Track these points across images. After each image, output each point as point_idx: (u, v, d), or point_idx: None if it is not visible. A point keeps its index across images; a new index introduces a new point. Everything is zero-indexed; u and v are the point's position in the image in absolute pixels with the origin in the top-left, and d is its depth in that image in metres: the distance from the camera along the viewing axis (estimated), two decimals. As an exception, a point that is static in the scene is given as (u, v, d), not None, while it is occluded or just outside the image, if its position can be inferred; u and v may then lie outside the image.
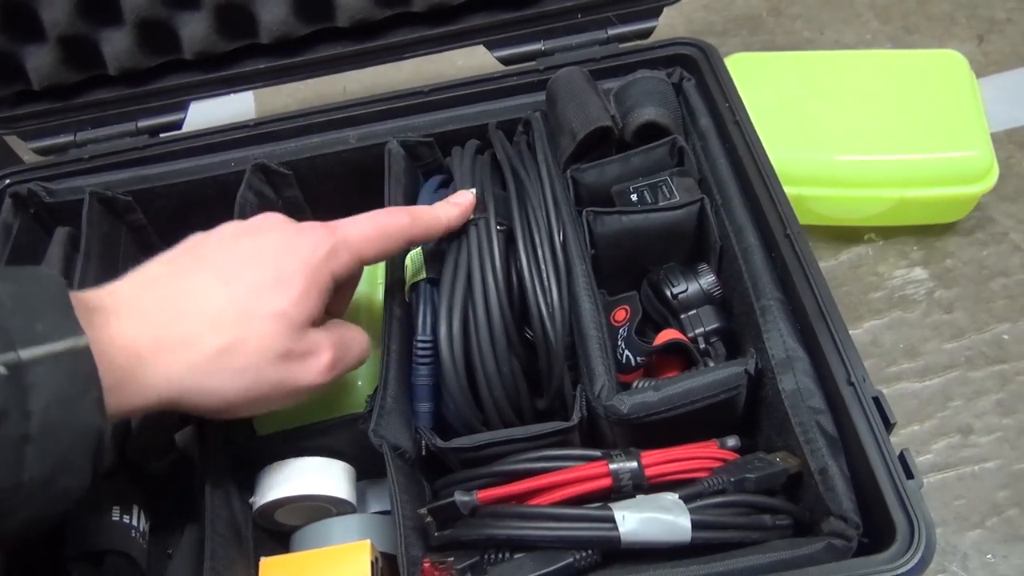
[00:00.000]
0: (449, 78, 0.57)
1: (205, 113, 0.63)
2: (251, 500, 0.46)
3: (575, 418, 0.42)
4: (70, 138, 0.60)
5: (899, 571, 0.34)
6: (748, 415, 0.44)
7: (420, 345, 0.46)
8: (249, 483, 0.46)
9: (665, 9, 0.58)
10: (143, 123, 0.59)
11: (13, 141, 0.70)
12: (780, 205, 0.46)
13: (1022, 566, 0.51)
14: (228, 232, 0.40)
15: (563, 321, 0.44)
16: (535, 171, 0.49)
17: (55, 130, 0.60)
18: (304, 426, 0.46)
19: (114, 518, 0.43)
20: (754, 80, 0.65)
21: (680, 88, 0.55)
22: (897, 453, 0.37)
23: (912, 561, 0.34)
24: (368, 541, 0.43)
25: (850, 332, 0.41)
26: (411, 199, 0.54)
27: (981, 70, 0.75)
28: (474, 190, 0.48)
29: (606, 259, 0.49)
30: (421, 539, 0.41)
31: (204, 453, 0.45)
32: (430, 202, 0.52)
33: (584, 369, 0.44)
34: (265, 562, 0.43)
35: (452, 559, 0.39)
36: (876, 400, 0.39)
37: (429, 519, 0.41)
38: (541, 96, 0.55)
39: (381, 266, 0.51)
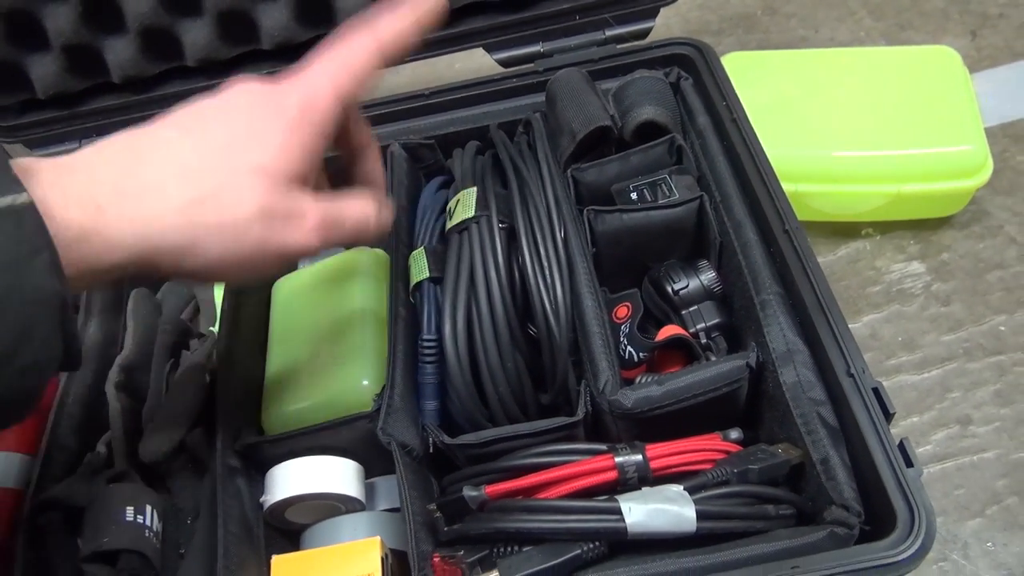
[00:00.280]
0: (449, 81, 0.58)
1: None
2: (262, 499, 0.46)
3: (580, 413, 0.43)
4: (75, 146, 0.60)
5: (900, 557, 0.35)
6: (750, 408, 0.45)
7: (425, 344, 0.47)
8: (259, 483, 0.47)
9: (661, 10, 0.59)
10: (147, 130, 0.60)
11: (12, 151, 0.70)
12: (778, 201, 0.47)
13: (1022, 554, 0.52)
14: (197, 103, 0.36)
15: (567, 316, 0.45)
16: (536, 169, 0.50)
17: (60, 138, 0.60)
18: (313, 426, 0.47)
19: (127, 518, 0.43)
20: (750, 78, 0.65)
21: (678, 87, 0.56)
22: (897, 442, 0.38)
23: (913, 547, 0.35)
24: (378, 538, 0.43)
25: (849, 326, 0.42)
26: (413, 200, 0.55)
27: (974, 65, 0.75)
28: None
29: (607, 257, 0.50)
30: (431, 534, 0.42)
31: (214, 454, 0.46)
32: (432, 203, 0.53)
33: (588, 365, 0.44)
34: (277, 560, 0.43)
35: (462, 553, 0.39)
36: (875, 391, 0.39)
37: (438, 514, 0.41)
38: (541, 97, 0.56)
39: (385, 266, 0.52)
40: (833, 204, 0.65)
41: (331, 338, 0.49)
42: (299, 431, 0.47)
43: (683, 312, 0.48)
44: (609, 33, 0.59)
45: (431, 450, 0.45)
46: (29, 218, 0.28)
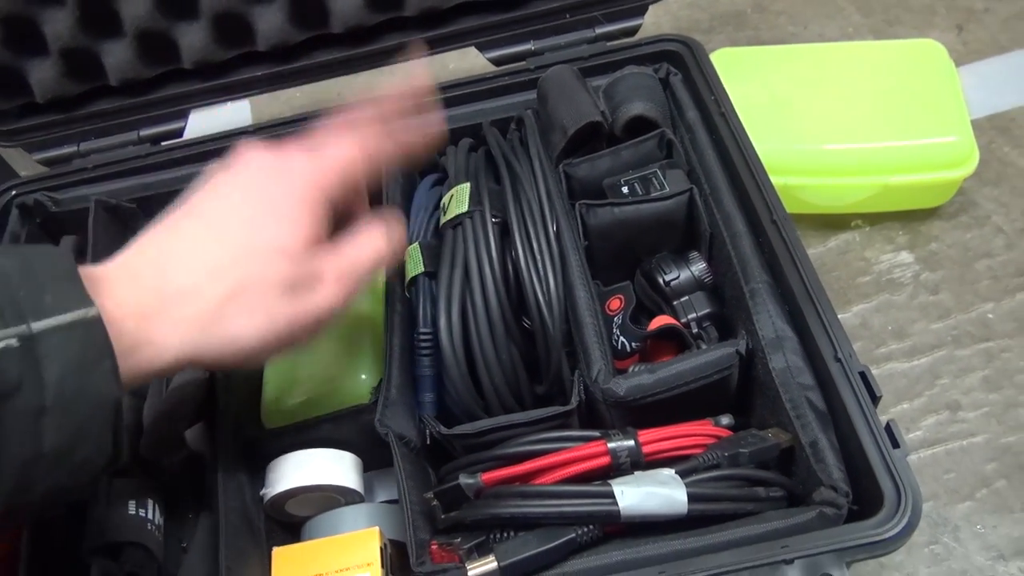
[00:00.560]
0: (442, 80, 0.59)
1: (204, 122, 0.64)
2: (262, 492, 0.47)
3: (574, 402, 0.44)
4: (74, 148, 0.61)
5: (887, 535, 0.36)
6: (741, 394, 0.46)
7: (421, 337, 0.48)
8: (259, 476, 0.48)
9: (651, 7, 0.60)
10: (145, 132, 0.61)
11: (11, 155, 0.71)
12: (766, 192, 0.48)
13: (1011, 536, 0.53)
14: (211, 181, 0.39)
15: (560, 307, 0.45)
16: (528, 165, 0.51)
17: (59, 141, 0.61)
18: (312, 419, 0.47)
19: (130, 512, 0.44)
20: (740, 74, 0.66)
21: (667, 83, 0.57)
22: (884, 424, 0.39)
23: (900, 525, 0.36)
24: (377, 528, 0.44)
25: (840, 316, 0.42)
26: (408, 198, 0.55)
27: (961, 59, 0.76)
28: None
29: (599, 250, 0.51)
30: (428, 523, 0.42)
31: (215, 448, 0.47)
32: (426, 201, 0.54)
33: (581, 355, 0.45)
34: (278, 551, 0.44)
35: (459, 540, 0.40)
36: (862, 375, 0.40)
37: (435, 503, 0.42)
38: (532, 95, 0.57)
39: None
40: (823, 196, 0.66)
41: (329, 333, 0.50)
42: (298, 425, 0.48)
43: (675, 303, 0.49)
44: (599, 31, 0.60)
45: (428, 441, 0.46)
46: (96, 329, 0.31)
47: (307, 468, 0.47)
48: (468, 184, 0.50)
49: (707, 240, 0.50)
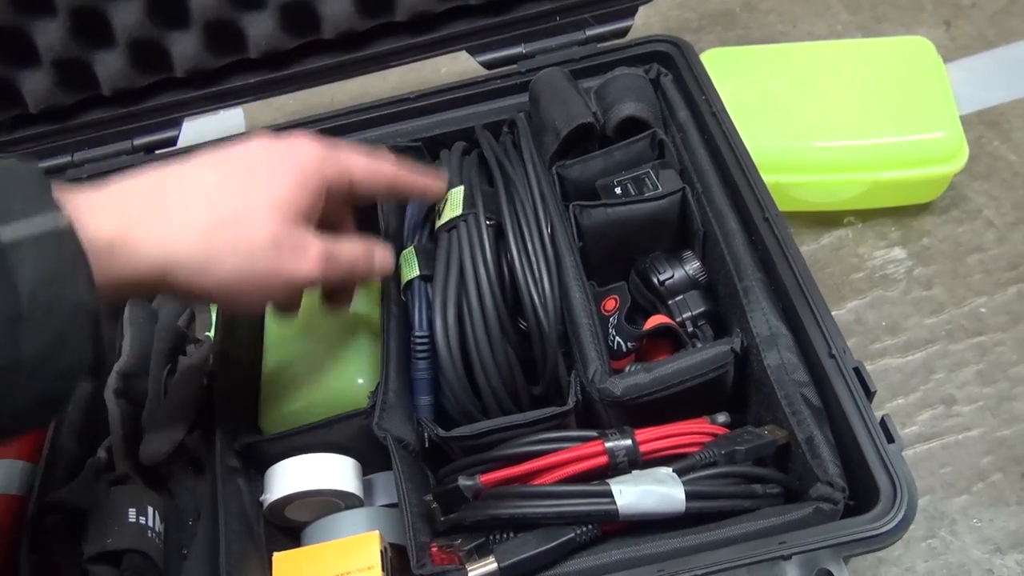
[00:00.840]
0: (434, 84, 0.59)
1: (198, 130, 0.64)
2: (261, 498, 0.47)
3: (571, 402, 0.44)
4: (68, 158, 0.61)
5: (883, 529, 0.36)
6: (736, 392, 0.46)
7: (417, 340, 0.48)
8: (258, 481, 0.48)
9: (641, 8, 0.60)
10: (139, 141, 0.61)
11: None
12: (757, 190, 0.48)
13: (1008, 528, 0.53)
14: (219, 149, 0.41)
15: (555, 308, 0.46)
16: (521, 167, 0.51)
17: (53, 151, 0.61)
18: (310, 424, 0.48)
19: (130, 519, 0.44)
20: (731, 74, 0.67)
21: (658, 83, 0.57)
22: (878, 419, 0.39)
23: (896, 519, 0.36)
24: (377, 532, 0.44)
25: (834, 312, 0.43)
26: (402, 203, 0.55)
27: (949, 54, 0.77)
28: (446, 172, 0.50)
29: (594, 250, 0.51)
30: (428, 525, 0.42)
31: (213, 454, 0.47)
32: (420, 204, 0.54)
33: (577, 355, 0.45)
34: (278, 556, 0.44)
35: (459, 541, 0.40)
36: (856, 370, 0.41)
37: (435, 505, 0.42)
38: (524, 97, 0.57)
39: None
40: (815, 194, 0.66)
41: (326, 338, 0.50)
42: (296, 430, 0.48)
43: (669, 302, 0.49)
44: (589, 33, 0.60)
45: (426, 444, 0.46)
46: (69, 239, 0.31)
47: (306, 473, 0.47)
48: (462, 187, 0.50)
49: (700, 239, 0.50)
